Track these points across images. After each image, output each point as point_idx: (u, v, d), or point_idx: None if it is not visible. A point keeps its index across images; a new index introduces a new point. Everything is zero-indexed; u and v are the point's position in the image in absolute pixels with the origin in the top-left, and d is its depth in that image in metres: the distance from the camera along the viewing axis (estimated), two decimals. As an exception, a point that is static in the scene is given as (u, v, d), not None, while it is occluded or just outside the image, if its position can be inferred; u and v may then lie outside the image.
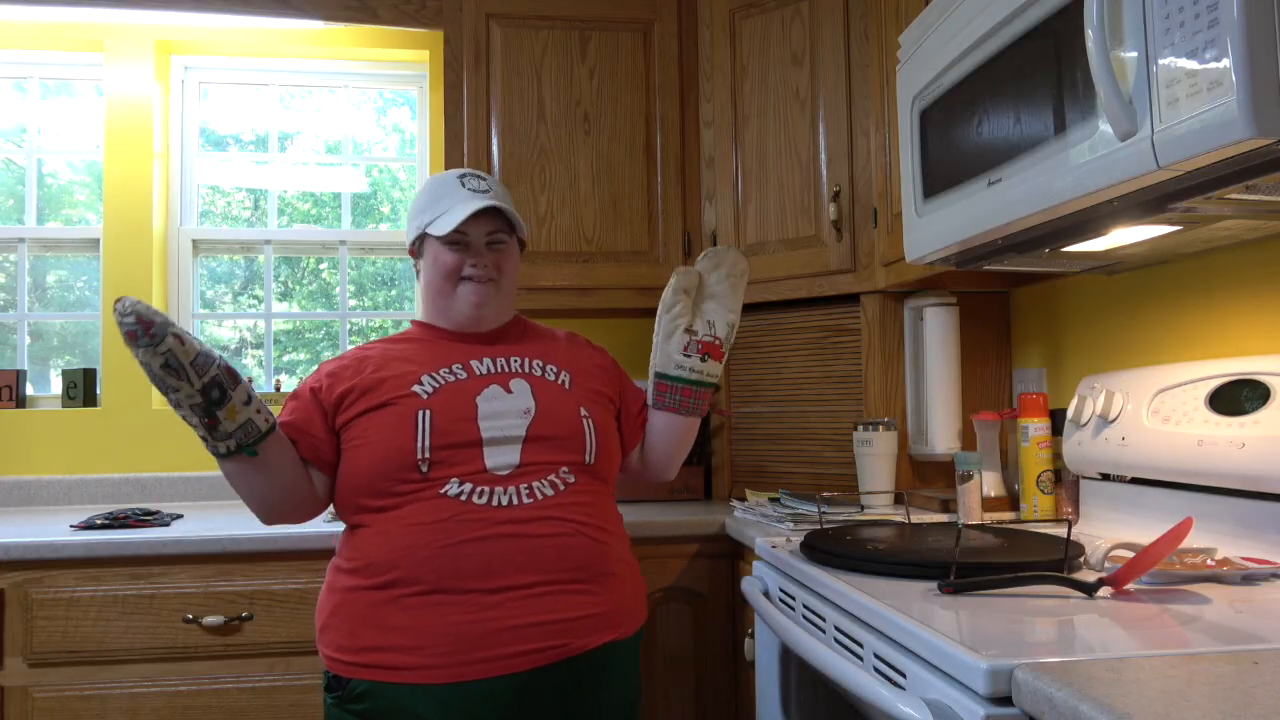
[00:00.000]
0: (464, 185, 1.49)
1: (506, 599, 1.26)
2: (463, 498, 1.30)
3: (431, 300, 1.50)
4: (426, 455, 1.30)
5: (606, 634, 1.33)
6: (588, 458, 1.40)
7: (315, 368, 1.48)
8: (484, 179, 1.52)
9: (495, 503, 1.30)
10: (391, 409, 1.34)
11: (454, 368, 1.42)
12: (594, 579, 1.34)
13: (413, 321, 1.56)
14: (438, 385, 1.38)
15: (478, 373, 1.42)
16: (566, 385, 1.47)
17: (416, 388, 1.37)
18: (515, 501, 1.31)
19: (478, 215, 1.45)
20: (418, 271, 1.54)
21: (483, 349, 1.48)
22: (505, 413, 1.37)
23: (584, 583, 1.32)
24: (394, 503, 1.31)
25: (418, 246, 1.52)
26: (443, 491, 1.30)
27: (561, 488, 1.35)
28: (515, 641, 1.25)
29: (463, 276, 1.47)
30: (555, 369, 1.48)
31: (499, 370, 1.44)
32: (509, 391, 1.40)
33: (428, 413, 1.33)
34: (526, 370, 1.46)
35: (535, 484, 1.34)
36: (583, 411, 1.43)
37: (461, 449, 1.32)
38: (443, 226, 1.44)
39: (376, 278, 2.88)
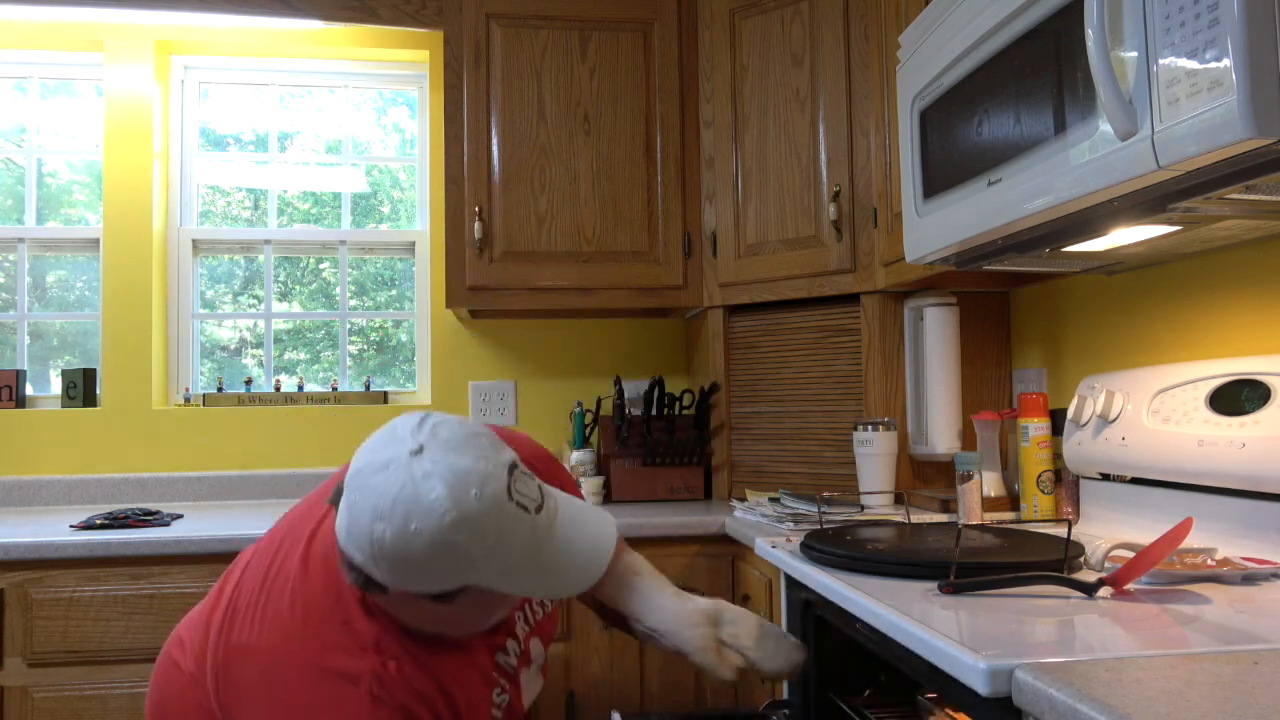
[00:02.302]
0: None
1: None
2: None
3: (451, 626, 1.11)
4: None
5: None
6: None
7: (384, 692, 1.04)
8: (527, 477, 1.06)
9: None
10: None
11: (501, 664, 1.20)
12: None
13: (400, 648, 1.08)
14: (507, 697, 1.21)
15: (515, 662, 1.24)
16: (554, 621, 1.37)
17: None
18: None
19: None
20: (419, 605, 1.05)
21: (496, 633, 1.20)
22: (531, 685, 1.28)
23: None
24: None
25: (446, 593, 1.01)
26: None
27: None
28: None
29: None
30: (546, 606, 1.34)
31: (525, 632, 1.26)
32: (533, 655, 1.28)
33: None
34: (530, 622, 1.29)
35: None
36: None
37: None
38: (548, 589, 1.06)
39: (376, 278, 2.88)
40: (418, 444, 0.97)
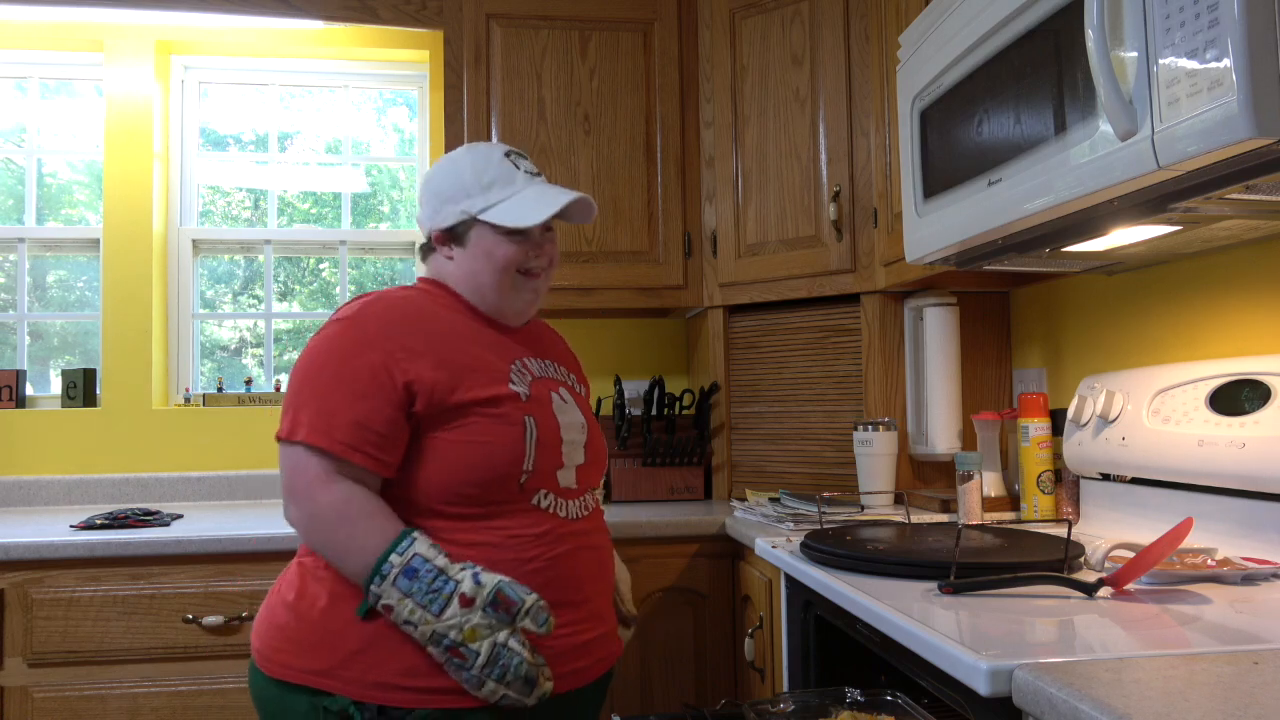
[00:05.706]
0: (519, 167, 1.34)
1: (585, 612, 1.26)
2: (550, 509, 1.25)
3: (474, 290, 1.34)
4: (530, 467, 1.22)
5: (618, 641, 1.39)
6: (603, 482, 1.42)
7: (348, 313, 1.25)
8: (529, 158, 1.39)
9: (569, 515, 1.28)
10: (502, 408, 1.22)
11: (524, 363, 1.32)
12: (612, 587, 1.40)
13: (431, 283, 1.37)
14: (527, 386, 1.28)
15: (535, 374, 1.33)
16: (590, 404, 1.44)
17: (515, 385, 1.26)
18: (580, 515, 1.30)
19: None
20: (446, 257, 1.35)
21: (525, 346, 1.37)
22: (572, 425, 1.31)
23: (610, 592, 1.38)
24: (485, 512, 1.21)
25: (456, 232, 1.33)
26: (534, 502, 1.24)
27: (592, 505, 1.36)
28: (590, 653, 1.26)
29: (522, 270, 1.33)
30: (575, 381, 1.43)
31: (548, 375, 1.35)
32: (564, 400, 1.33)
33: (533, 420, 1.24)
34: (564, 379, 1.39)
35: (585, 498, 1.34)
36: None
37: (550, 461, 1.26)
38: (518, 217, 1.29)
39: (376, 277, 2.88)
40: None
